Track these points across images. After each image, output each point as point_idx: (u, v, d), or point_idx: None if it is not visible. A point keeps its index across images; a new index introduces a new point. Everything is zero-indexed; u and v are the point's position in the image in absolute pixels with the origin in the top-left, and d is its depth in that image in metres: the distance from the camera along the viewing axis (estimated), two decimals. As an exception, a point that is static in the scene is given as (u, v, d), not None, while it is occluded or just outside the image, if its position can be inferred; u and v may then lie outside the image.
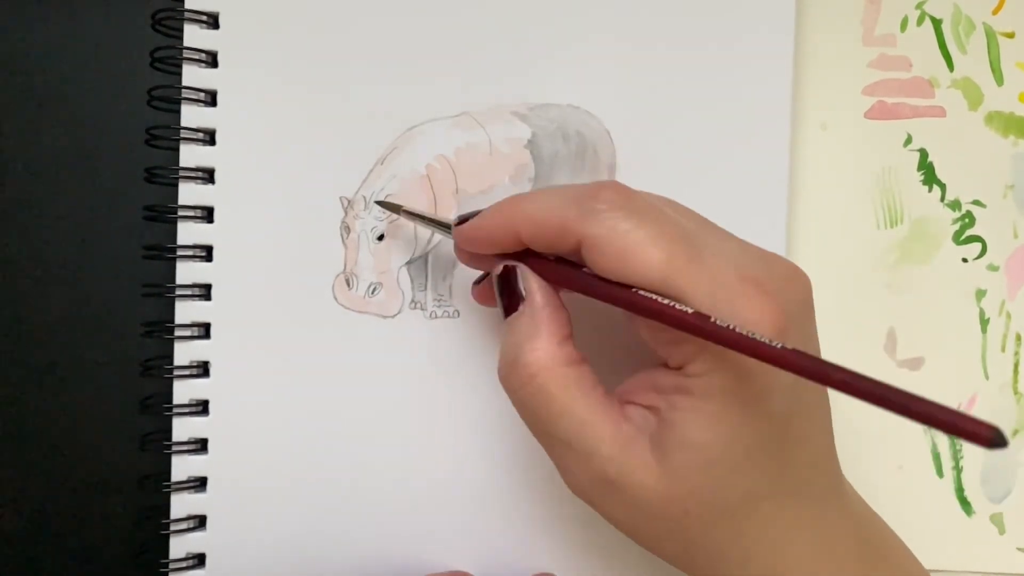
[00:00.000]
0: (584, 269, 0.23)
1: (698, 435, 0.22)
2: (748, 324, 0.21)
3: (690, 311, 0.21)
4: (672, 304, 0.21)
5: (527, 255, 0.25)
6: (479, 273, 0.28)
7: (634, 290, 0.22)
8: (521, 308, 0.24)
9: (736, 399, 0.22)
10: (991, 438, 0.15)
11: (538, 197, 0.24)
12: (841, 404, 0.33)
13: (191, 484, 0.31)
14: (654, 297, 0.22)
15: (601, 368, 0.25)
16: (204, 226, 0.30)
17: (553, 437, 0.24)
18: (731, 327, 0.20)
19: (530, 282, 0.25)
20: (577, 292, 0.24)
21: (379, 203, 0.30)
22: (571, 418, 0.23)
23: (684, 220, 0.23)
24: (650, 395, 0.23)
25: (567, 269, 0.24)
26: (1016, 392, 0.34)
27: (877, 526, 0.27)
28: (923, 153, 0.33)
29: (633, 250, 0.22)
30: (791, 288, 0.23)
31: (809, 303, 0.24)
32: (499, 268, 0.25)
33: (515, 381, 0.24)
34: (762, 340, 0.20)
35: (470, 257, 0.27)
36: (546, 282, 0.25)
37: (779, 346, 0.19)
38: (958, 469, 0.33)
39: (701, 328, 0.21)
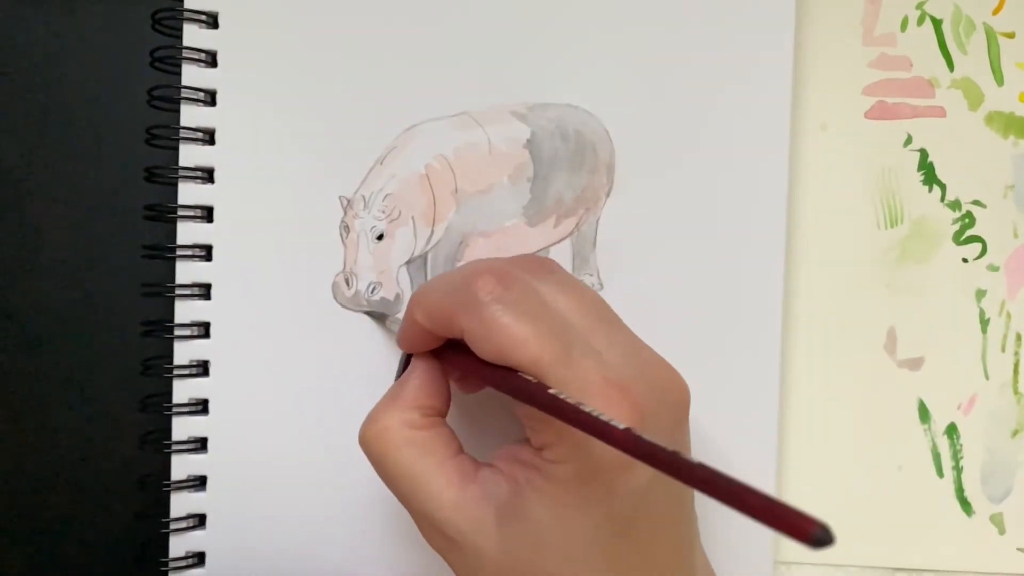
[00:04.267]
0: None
1: (537, 512, 0.23)
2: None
3: (550, 390, 0.22)
4: (528, 379, 0.22)
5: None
6: None
7: (515, 372, 0.23)
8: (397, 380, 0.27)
9: (580, 492, 0.22)
10: (814, 534, 0.15)
11: (428, 289, 0.26)
12: (840, 406, 0.33)
13: (191, 483, 0.31)
14: (526, 377, 0.22)
15: (485, 433, 0.27)
16: (204, 226, 0.31)
17: (398, 494, 0.25)
18: (577, 404, 0.21)
19: (415, 358, 0.27)
20: (462, 375, 0.26)
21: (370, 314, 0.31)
22: (409, 479, 0.25)
23: (570, 312, 0.24)
24: (512, 465, 0.24)
25: (464, 355, 0.25)
26: (1016, 392, 0.33)
27: None
28: (923, 153, 0.33)
29: (507, 348, 0.22)
30: (661, 397, 0.23)
31: (680, 414, 0.24)
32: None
33: (363, 444, 0.26)
34: (601, 417, 0.20)
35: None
36: (432, 360, 0.26)
37: (619, 427, 0.20)
38: (958, 469, 0.33)
39: (550, 404, 0.21)
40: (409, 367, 0.27)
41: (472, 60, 0.31)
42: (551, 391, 0.21)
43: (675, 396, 0.24)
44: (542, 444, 0.23)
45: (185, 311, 0.30)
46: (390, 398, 0.26)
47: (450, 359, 0.26)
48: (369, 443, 0.25)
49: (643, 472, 0.22)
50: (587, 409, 0.20)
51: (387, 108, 0.31)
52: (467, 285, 0.23)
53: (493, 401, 0.30)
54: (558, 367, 0.22)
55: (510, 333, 0.22)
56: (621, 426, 0.20)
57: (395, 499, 0.31)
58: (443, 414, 0.26)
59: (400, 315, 0.31)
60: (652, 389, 0.23)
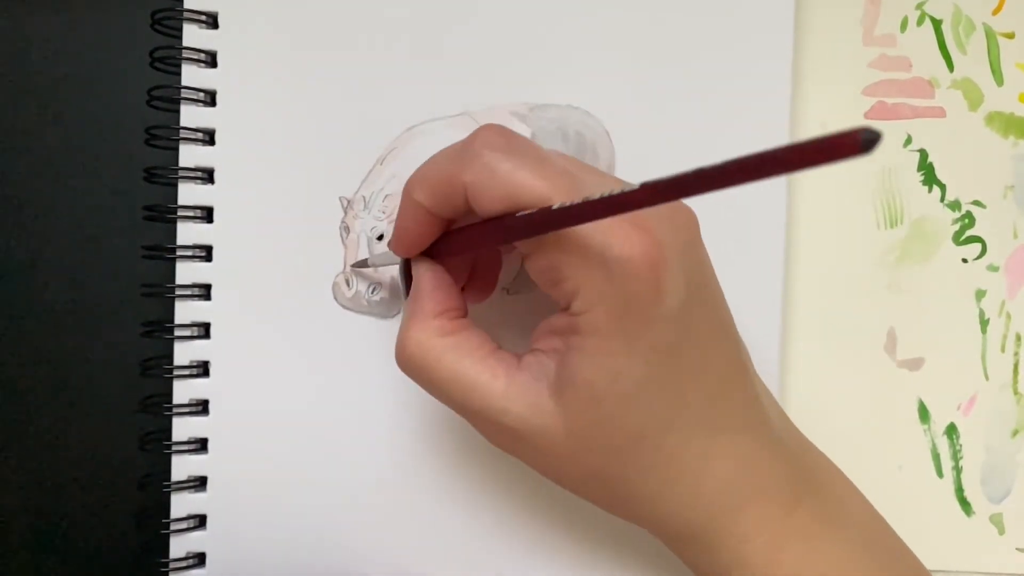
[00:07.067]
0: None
1: (584, 371, 0.23)
2: (619, 258, 0.22)
3: (554, 206, 0.21)
4: (530, 212, 0.22)
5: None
6: None
7: (511, 215, 0.23)
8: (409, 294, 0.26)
9: (617, 333, 0.22)
10: (861, 140, 0.14)
11: (423, 167, 0.25)
12: (840, 406, 0.33)
13: (191, 484, 0.31)
14: (520, 214, 0.22)
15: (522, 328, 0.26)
16: (204, 226, 0.30)
17: (453, 405, 0.25)
18: (584, 199, 0.20)
19: (414, 265, 0.26)
20: (467, 251, 0.26)
21: (355, 265, 0.31)
22: (456, 384, 0.24)
23: (566, 163, 0.24)
24: (551, 339, 0.24)
25: (459, 231, 0.25)
26: (1016, 392, 0.33)
27: (811, 457, 0.28)
28: (923, 153, 0.33)
29: (517, 189, 0.22)
30: (671, 223, 0.23)
31: (693, 238, 0.24)
32: (403, 261, 0.27)
33: (402, 365, 0.25)
34: (614, 192, 0.19)
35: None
36: (433, 263, 0.26)
37: (635, 186, 0.19)
38: (958, 469, 0.33)
39: (559, 217, 0.21)
40: (414, 279, 0.26)
41: (472, 60, 0.31)
42: (554, 206, 0.21)
43: (682, 219, 0.24)
44: (568, 298, 0.23)
45: (185, 311, 0.30)
46: (411, 315, 0.25)
47: (449, 247, 0.26)
48: (409, 363, 0.25)
49: (675, 295, 0.22)
50: (595, 196, 0.20)
51: (387, 108, 0.31)
52: (466, 145, 0.23)
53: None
54: (569, 199, 0.22)
55: (517, 175, 0.22)
56: (636, 185, 0.19)
57: (394, 499, 0.31)
58: (465, 313, 0.26)
59: (376, 256, 0.30)
60: (660, 216, 0.23)
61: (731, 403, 0.25)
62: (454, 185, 0.23)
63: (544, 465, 0.25)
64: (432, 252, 0.26)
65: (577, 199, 0.21)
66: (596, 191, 0.22)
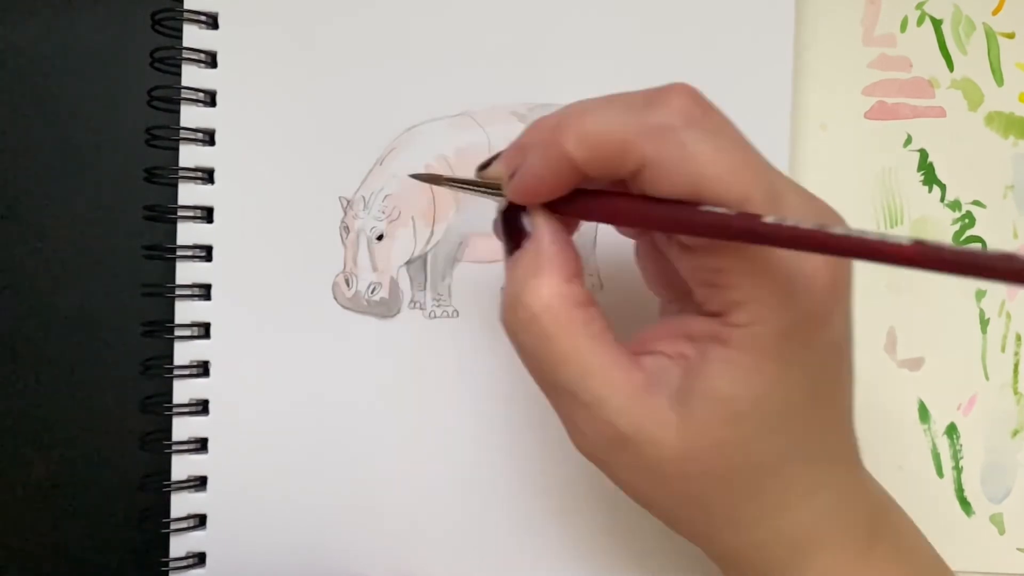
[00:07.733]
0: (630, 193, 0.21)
1: (729, 388, 0.20)
2: (808, 275, 0.19)
3: (766, 219, 0.18)
4: (726, 212, 0.18)
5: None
6: (476, 270, 0.28)
7: (701, 207, 0.19)
8: (525, 245, 0.22)
9: (776, 354, 0.20)
10: None
11: (588, 111, 0.21)
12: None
13: (191, 483, 0.31)
14: (720, 211, 0.19)
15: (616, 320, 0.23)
16: (204, 226, 0.31)
17: (558, 387, 0.22)
18: (821, 227, 0.17)
19: (536, 217, 0.22)
20: (610, 222, 0.22)
21: (415, 176, 0.27)
22: (577, 365, 0.21)
23: (758, 155, 0.21)
24: (678, 343, 0.21)
25: (607, 197, 0.21)
26: (1016, 392, 0.33)
27: (885, 496, 0.26)
28: (923, 153, 0.33)
29: (709, 181, 0.19)
30: None
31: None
32: (503, 204, 0.23)
33: (515, 324, 0.22)
34: (870, 236, 0.16)
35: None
36: (555, 216, 0.22)
37: (906, 242, 0.16)
38: (958, 469, 0.33)
39: (775, 234, 0.18)
40: (535, 231, 0.22)
41: (472, 60, 0.31)
42: (768, 219, 0.18)
43: None
44: (725, 308, 0.20)
45: (185, 311, 0.30)
46: (538, 270, 0.21)
47: (576, 208, 0.22)
48: (526, 329, 0.21)
49: (841, 321, 0.20)
50: (839, 231, 0.16)
51: (387, 108, 0.31)
52: (651, 105, 0.20)
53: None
54: (767, 207, 0.19)
55: (715, 165, 0.19)
56: (907, 241, 0.16)
57: (394, 499, 0.31)
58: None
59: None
60: None
61: (843, 437, 0.23)
62: (628, 152, 0.20)
63: (642, 482, 0.22)
64: (551, 205, 0.22)
65: (777, 213, 0.18)
66: (793, 205, 0.19)
